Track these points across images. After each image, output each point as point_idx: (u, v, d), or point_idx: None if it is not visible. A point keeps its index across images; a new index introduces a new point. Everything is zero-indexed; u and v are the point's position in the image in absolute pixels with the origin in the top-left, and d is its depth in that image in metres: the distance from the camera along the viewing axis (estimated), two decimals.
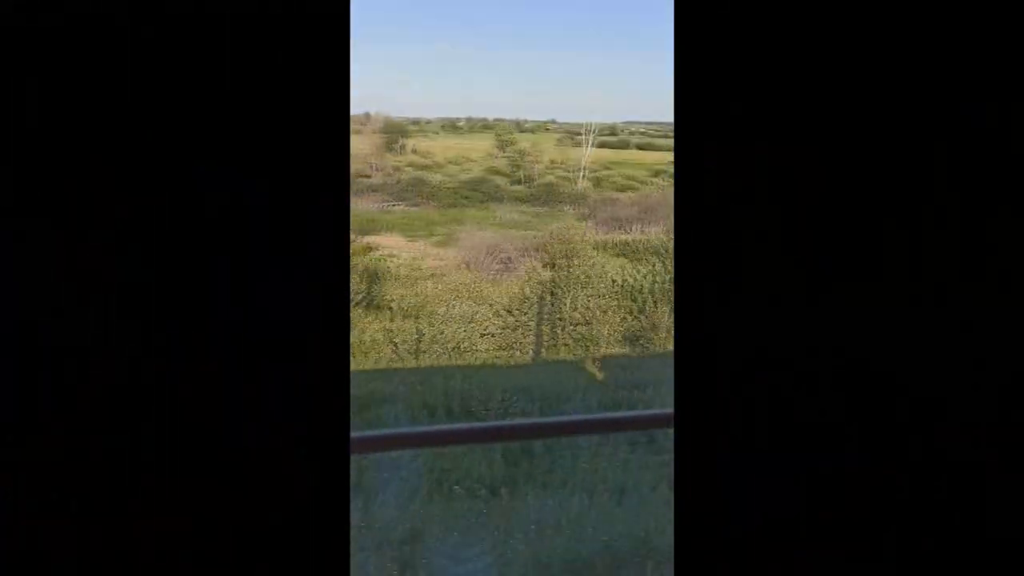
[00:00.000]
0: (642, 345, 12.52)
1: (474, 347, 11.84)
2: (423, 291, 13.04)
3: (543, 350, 12.30)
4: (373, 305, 12.48)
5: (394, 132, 22.35)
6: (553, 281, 13.29)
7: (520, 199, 19.44)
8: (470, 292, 12.84)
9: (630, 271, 14.55)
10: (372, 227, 14.75)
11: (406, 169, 20.85)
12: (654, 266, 14.79)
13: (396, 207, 18.28)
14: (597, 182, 20.51)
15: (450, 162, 22.13)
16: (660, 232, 16.30)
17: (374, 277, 13.09)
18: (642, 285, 14.08)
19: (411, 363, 11.36)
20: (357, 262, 12.98)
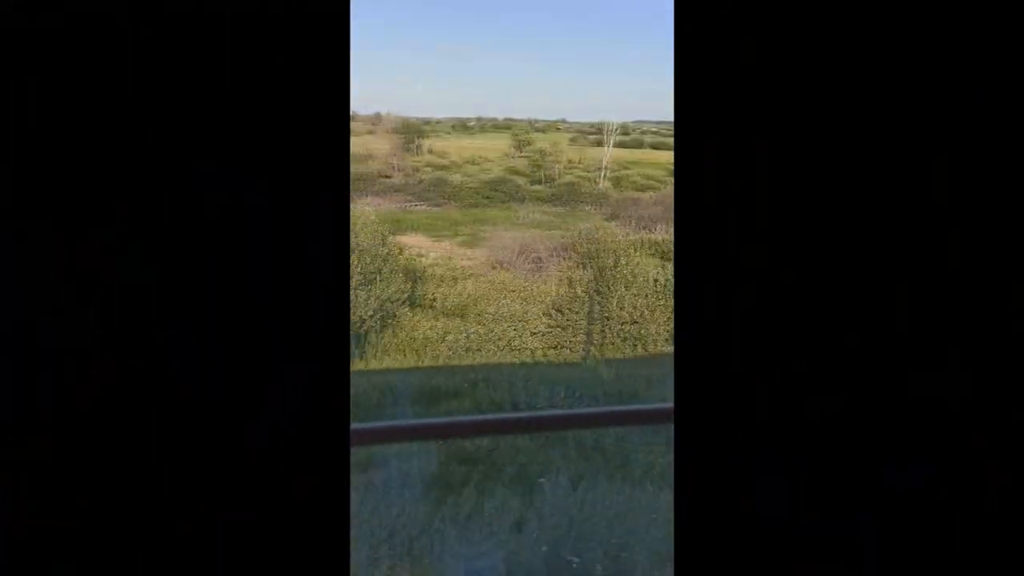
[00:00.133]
0: None
1: (524, 345, 11.93)
2: (463, 290, 13.08)
3: (592, 349, 12.38)
4: (415, 304, 12.54)
5: (411, 132, 22.35)
6: (597, 281, 13.34)
7: (541, 199, 19.44)
8: (512, 291, 12.89)
9: (668, 271, 14.61)
10: (398, 227, 14.82)
11: (425, 169, 20.85)
12: None
13: (418, 207, 18.29)
14: (617, 182, 20.50)
15: (467, 162, 22.13)
16: None
17: (414, 276, 13.14)
18: None
19: (467, 360, 11.48)
20: (397, 262, 13.04)
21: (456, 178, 20.18)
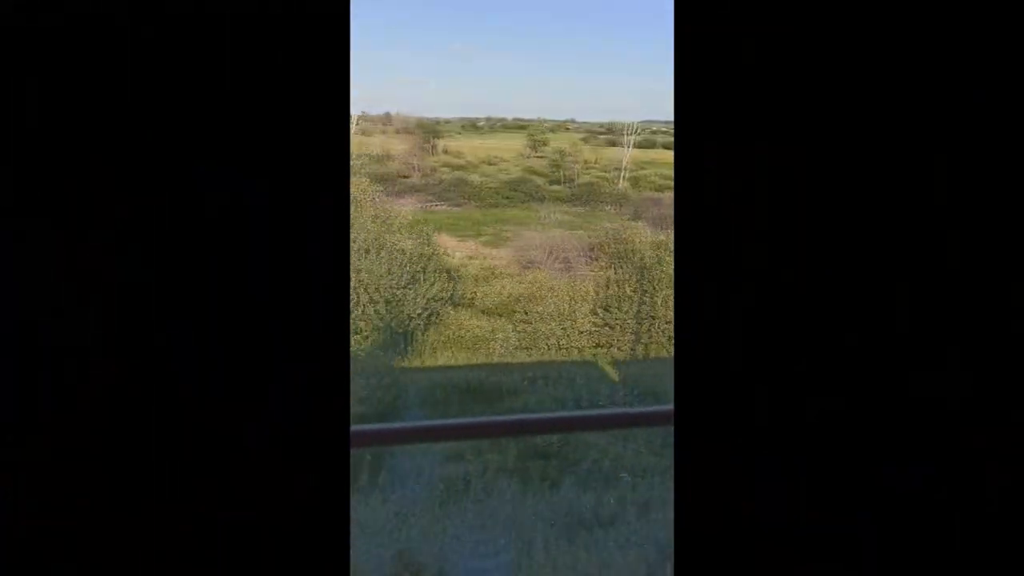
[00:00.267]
0: None
1: (571, 344, 11.99)
2: (502, 289, 13.12)
3: (639, 347, 12.44)
4: (455, 303, 12.59)
5: (426, 132, 22.35)
6: (640, 280, 13.37)
7: (560, 199, 19.42)
8: (551, 290, 12.91)
9: None
10: (423, 228, 14.86)
11: (442, 169, 20.86)
12: None
13: (439, 207, 18.30)
14: (635, 182, 20.50)
15: (483, 162, 22.13)
16: None
17: (452, 276, 13.19)
18: None
19: (519, 358, 11.56)
20: (436, 261, 13.09)
21: (475, 178, 20.22)
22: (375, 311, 11.17)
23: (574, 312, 12.24)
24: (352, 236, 11.73)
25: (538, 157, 22.66)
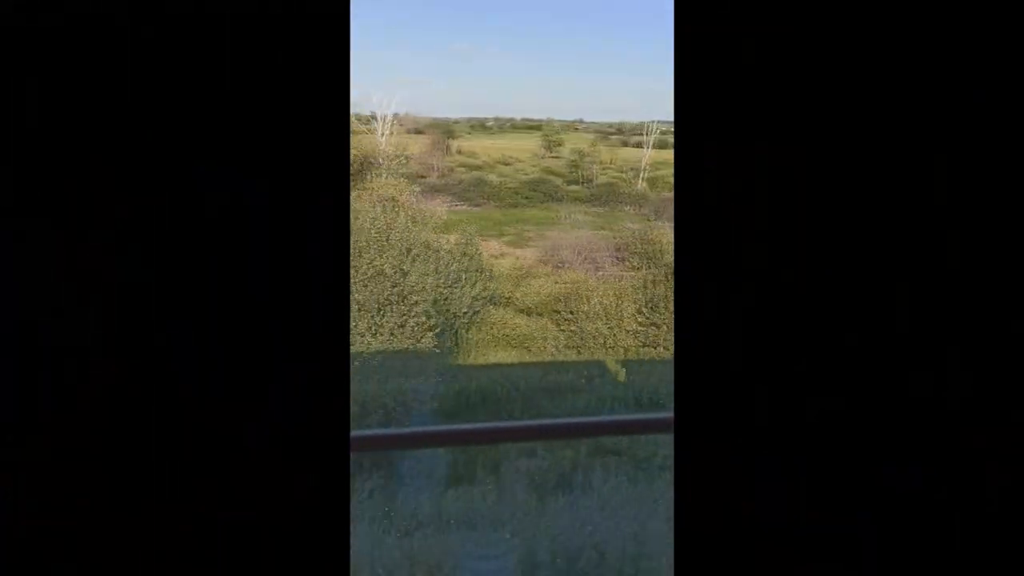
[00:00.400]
0: None
1: (619, 343, 12.07)
2: (540, 288, 13.15)
3: None
4: (494, 302, 12.64)
5: (441, 132, 22.35)
6: (670, 280, 13.40)
7: (579, 199, 19.43)
8: (590, 290, 12.93)
9: None
10: (446, 228, 14.89)
11: (459, 169, 20.87)
12: None
13: (458, 207, 18.32)
14: (652, 183, 20.51)
15: (498, 162, 22.14)
16: None
17: (490, 275, 13.23)
18: None
19: (571, 357, 11.62)
20: (478, 261, 13.17)
21: (492, 178, 20.24)
22: (424, 310, 11.27)
23: (620, 311, 12.26)
24: (394, 237, 11.89)
25: (553, 157, 22.66)
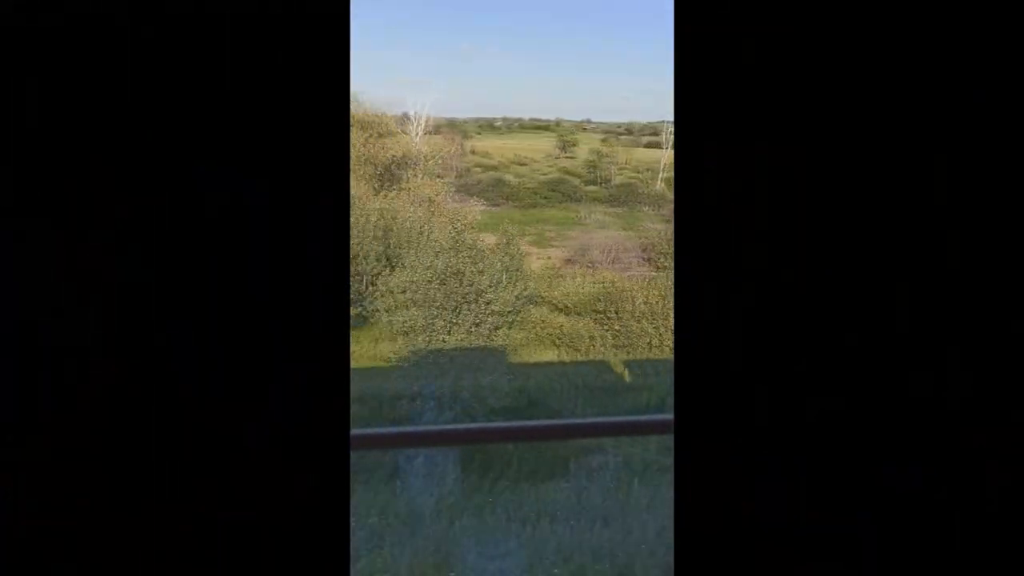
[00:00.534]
0: None
1: (665, 343, 12.13)
2: (579, 288, 13.18)
3: None
4: (533, 301, 12.69)
5: (455, 132, 22.35)
6: None
7: (598, 200, 19.44)
8: (625, 290, 12.94)
9: None
10: (504, 227, 14.94)
11: (475, 170, 20.87)
12: None
13: (477, 207, 18.34)
14: (670, 183, 20.50)
15: (512, 162, 22.13)
16: None
17: (527, 276, 13.31)
18: None
19: (621, 356, 11.68)
20: (518, 260, 13.24)
21: (510, 178, 20.26)
22: (471, 310, 11.37)
23: (665, 311, 12.27)
24: (434, 236, 12.05)
25: (568, 158, 22.64)
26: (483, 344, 11.11)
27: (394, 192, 14.55)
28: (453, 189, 16.93)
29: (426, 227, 12.53)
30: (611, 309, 12.34)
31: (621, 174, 21.06)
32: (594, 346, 11.80)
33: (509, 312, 11.84)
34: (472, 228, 13.64)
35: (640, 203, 19.08)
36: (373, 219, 12.43)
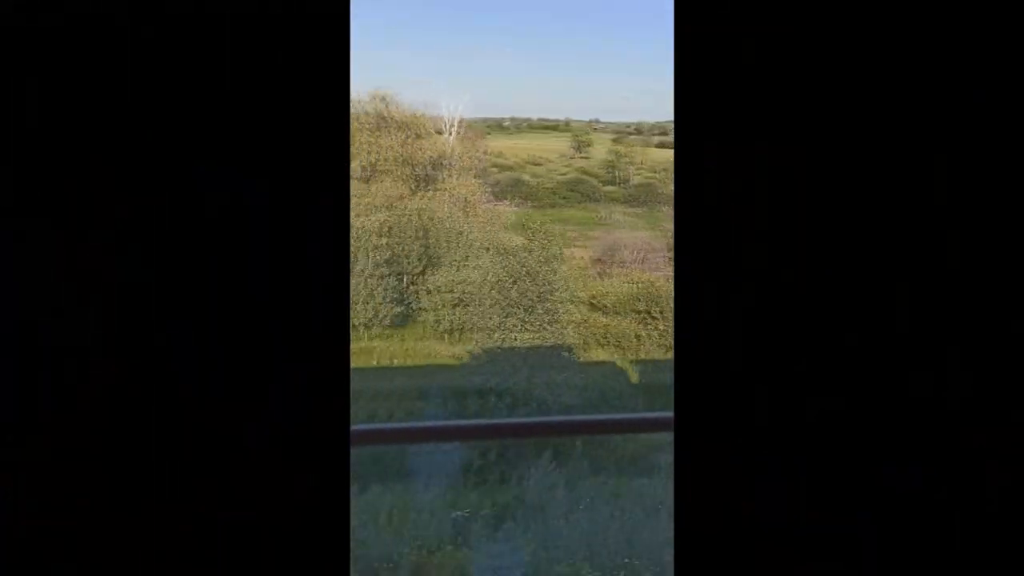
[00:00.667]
0: None
1: None
2: (614, 288, 13.16)
3: None
4: (572, 301, 12.72)
5: (472, 132, 22.35)
6: None
7: (616, 200, 19.42)
8: (664, 289, 12.94)
9: None
10: (548, 227, 14.96)
11: (491, 170, 20.87)
12: None
13: (497, 207, 18.38)
14: None
15: (527, 162, 22.10)
16: None
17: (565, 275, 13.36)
18: None
19: (670, 356, 11.74)
20: (558, 261, 13.28)
21: (527, 178, 20.27)
22: (521, 308, 11.47)
23: None
24: (473, 236, 12.07)
25: (583, 158, 22.58)
26: (536, 343, 11.16)
27: (431, 192, 14.64)
28: (488, 189, 16.96)
29: (465, 227, 12.62)
30: (653, 309, 12.31)
31: (639, 174, 21.05)
32: (642, 345, 11.84)
33: (555, 311, 11.92)
34: (507, 228, 13.72)
35: (659, 203, 19.07)
36: (415, 220, 12.54)
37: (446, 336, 11.28)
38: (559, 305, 12.14)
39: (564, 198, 19.61)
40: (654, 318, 12.24)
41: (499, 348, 10.76)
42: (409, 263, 12.13)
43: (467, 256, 11.83)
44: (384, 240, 12.07)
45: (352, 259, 11.54)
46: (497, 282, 11.61)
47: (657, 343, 11.93)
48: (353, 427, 1.24)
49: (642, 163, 22.10)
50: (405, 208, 12.81)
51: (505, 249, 12.17)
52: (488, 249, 11.97)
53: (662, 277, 13.70)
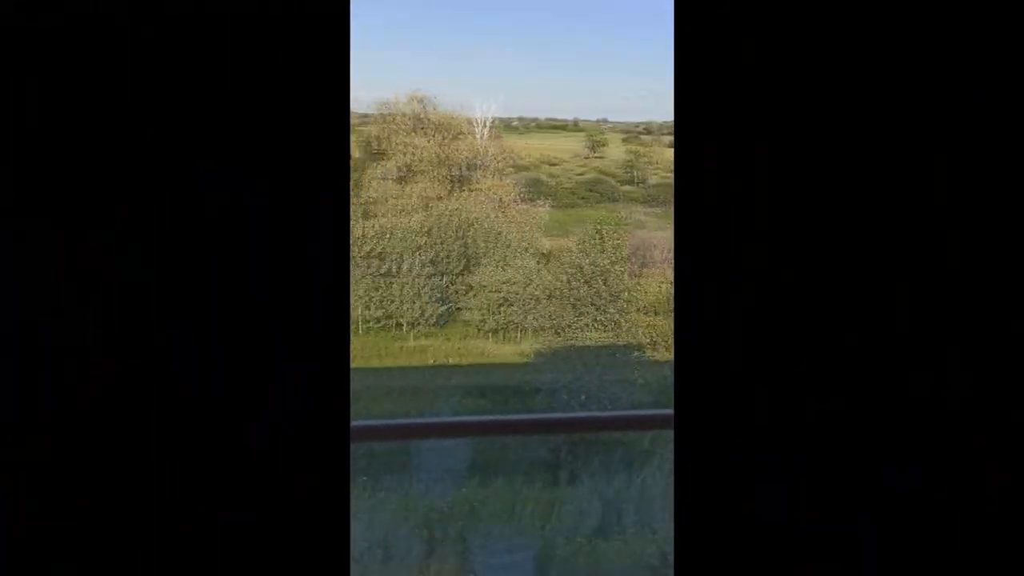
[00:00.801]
0: None
1: None
2: (651, 288, 13.23)
3: None
4: (625, 299, 12.79)
5: (491, 133, 22.35)
6: None
7: (634, 200, 19.40)
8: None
9: None
10: (557, 229, 14.97)
11: (507, 170, 20.89)
12: None
13: (517, 206, 18.41)
14: None
15: (542, 162, 22.08)
16: None
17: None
18: None
19: None
20: (593, 261, 13.35)
21: (544, 178, 20.26)
22: (568, 306, 11.57)
23: None
24: (512, 236, 12.33)
25: (598, 157, 22.57)
26: (582, 342, 11.23)
27: (466, 192, 14.72)
28: (522, 189, 16.97)
29: (504, 227, 12.77)
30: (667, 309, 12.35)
31: (656, 174, 21.05)
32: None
33: (593, 312, 11.96)
34: (540, 228, 13.80)
35: None
36: (454, 220, 12.61)
37: (490, 335, 11.44)
38: (601, 304, 12.23)
39: (583, 198, 19.56)
40: None
41: (563, 347, 10.92)
42: (450, 263, 12.30)
43: (505, 256, 12.01)
44: (424, 240, 12.15)
45: (399, 259, 11.70)
46: (552, 282, 11.59)
47: None
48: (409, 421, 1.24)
49: (658, 163, 22.12)
50: (445, 208, 12.99)
51: (548, 251, 12.32)
52: (528, 249, 12.14)
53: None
